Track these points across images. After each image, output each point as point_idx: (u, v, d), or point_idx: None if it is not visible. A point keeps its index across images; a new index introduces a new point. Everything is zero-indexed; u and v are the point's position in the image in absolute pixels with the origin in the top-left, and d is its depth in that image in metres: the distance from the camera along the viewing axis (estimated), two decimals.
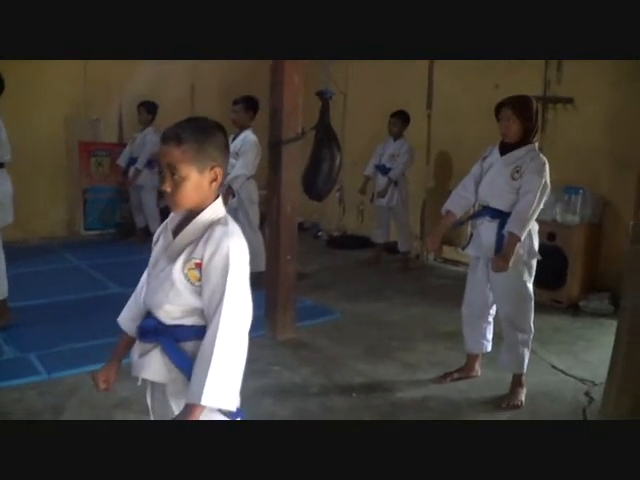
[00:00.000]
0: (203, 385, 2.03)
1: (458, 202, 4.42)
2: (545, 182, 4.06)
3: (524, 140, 4.15)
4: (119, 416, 3.92)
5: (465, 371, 4.67)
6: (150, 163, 8.16)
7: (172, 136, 2.12)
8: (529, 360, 4.38)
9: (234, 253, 2.11)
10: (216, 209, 2.21)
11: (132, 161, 8.39)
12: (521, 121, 4.10)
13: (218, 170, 2.18)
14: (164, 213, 7.36)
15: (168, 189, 2.14)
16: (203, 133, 2.15)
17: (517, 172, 4.10)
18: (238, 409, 2.20)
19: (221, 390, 2.07)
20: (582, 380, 4.69)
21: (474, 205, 4.53)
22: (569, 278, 6.36)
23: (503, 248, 4.08)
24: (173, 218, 2.29)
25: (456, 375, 4.65)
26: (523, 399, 4.31)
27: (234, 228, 2.18)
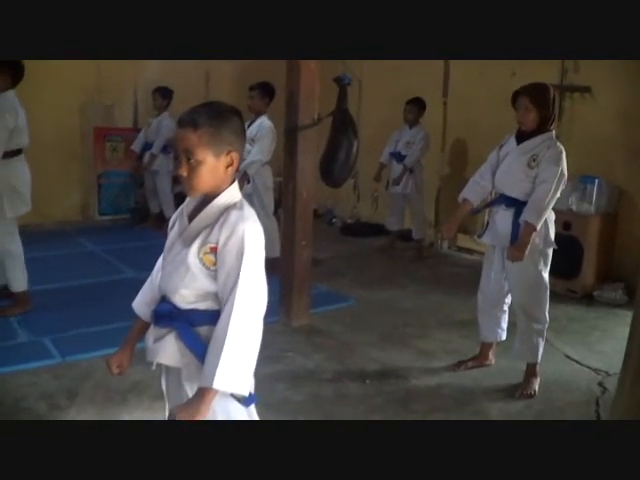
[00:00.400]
0: (215, 368, 2.03)
1: (475, 190, 4.40)
2: (562, 171, 4.04)
3: (541, 128, 4.12)
4: (133, 400, 3.95)
5: (479, 359, 4.67)
6: (165, 148, 8.15)
7: (188, 120, 2.12)
8: (543, 350, 4.37)
9: (249, 237, 2.11)
10: (232, 193, 2.20)
11: (147, 146, 8.39)
12: (538, 109, 4.07)
13: (234, 155, 2.18)
14: (179, 199, 7.37)
15: (184, 173, 2.13)
16: (219, 117, 2.15)
17: (534, 160, 4.08)
18: (252, 394, 2.20)
19: (234, 374, 2.07)
20: (596, 370, 4.68)
21: (491, 193, 4.52)
22: (584, 268, 6.33)
23: (519, 237, 4.07)
24: (189, 203, 2.29)
25: (470, 364, 4.64)
26: (537, 388, 4.30)
27: (249, 212, 2.18)
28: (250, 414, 2.29)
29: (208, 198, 2.19)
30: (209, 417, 2.11)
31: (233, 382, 2.07)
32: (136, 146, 8.57)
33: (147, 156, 8.33)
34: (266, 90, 6.40)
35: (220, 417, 2.19)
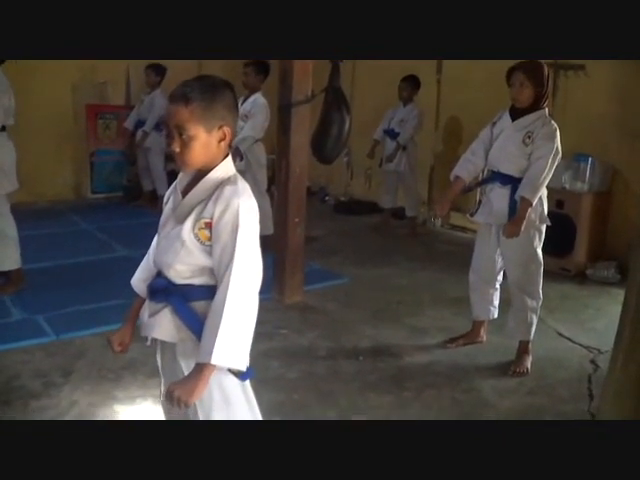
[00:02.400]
0: (213, 344, 2.02)
1: (466, 168, 4.38)
2: (557, 148, 4.05)
3: (535, 106, 4.12)
4: (127, 377, 3.94)
5: (470, 337, 4.68)
6: (158, 126, 8.08)
7: (180, 95, 2.10)
8: (536, 327, 4.38)
9: (244, 211, 2.09)
10: (226, 168, 2.19)
11: (139, 124, 8.35)
12: (533, 86, 4.07)
13: (227, 129, 2.16)
14: (171, 176, 7.35)
15: (177, 149, 2.12)
16: (211, 92, 2.13)
17: (529, 137, 4.08)
18: (248, 369, 2.20)
19: (232, 349, 2.06)
20: (588, 348, 4.70)
21: (483, 171, 4.51)
22: (577, 246, 6.36)
23: (516, 214, 4.07)
24: (182, 178, 2.27)
25: (461, 341, 4.66)
26: (529, 366, 4.31)
27: (244, 186, 2.17)
28: (245, 389, 2.29)
29: (201, 173, 2.18)
30: (204, 392, 2.11)
31: (231, 357, 2.07)
32: (129, 124, 8.54)
33: (139, 134, 8.30)
34: (261, 67, 6.35)
35: (215, 392, 2.20)
